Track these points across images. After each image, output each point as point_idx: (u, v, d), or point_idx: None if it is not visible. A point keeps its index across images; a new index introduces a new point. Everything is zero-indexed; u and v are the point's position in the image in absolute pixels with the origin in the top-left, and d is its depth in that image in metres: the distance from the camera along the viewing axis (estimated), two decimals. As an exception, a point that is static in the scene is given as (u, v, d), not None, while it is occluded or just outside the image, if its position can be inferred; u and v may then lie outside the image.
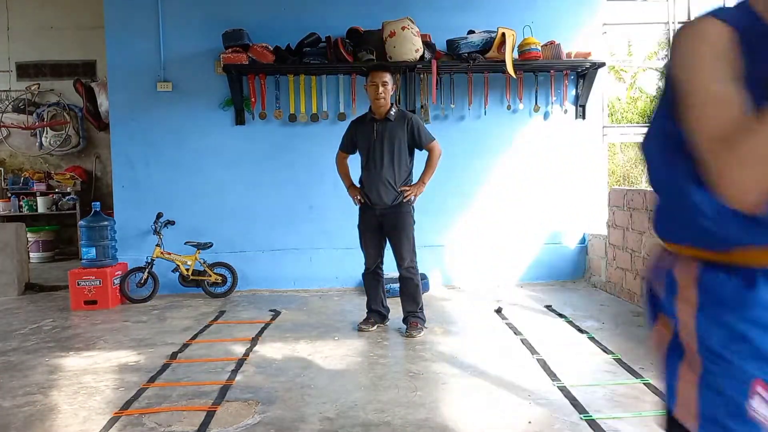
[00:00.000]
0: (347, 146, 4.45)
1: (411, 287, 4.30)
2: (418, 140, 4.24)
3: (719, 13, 1.07)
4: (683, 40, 1.07)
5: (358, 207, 4.40)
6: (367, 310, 4.48)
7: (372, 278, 4.42)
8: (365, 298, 4.52)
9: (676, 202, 1.15)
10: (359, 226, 4.38)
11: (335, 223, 5.85)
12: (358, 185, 4.39)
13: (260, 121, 5.84)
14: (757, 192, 0.95)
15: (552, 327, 4.40)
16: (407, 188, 4.22)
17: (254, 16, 5.78)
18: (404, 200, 4.22)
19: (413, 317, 4.27)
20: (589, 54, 5.72)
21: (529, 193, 6.00)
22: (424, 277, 5.29)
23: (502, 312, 4.82)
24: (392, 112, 4.23)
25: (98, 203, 5.66)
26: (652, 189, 1.24)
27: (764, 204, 0.97)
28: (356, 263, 4.36)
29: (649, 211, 4.73)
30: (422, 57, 5.51)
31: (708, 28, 1.05)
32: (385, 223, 4.27)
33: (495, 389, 3.18)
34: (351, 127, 4.44)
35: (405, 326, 4.29)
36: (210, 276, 5.57)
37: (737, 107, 0.99)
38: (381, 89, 4.14)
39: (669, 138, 1.12)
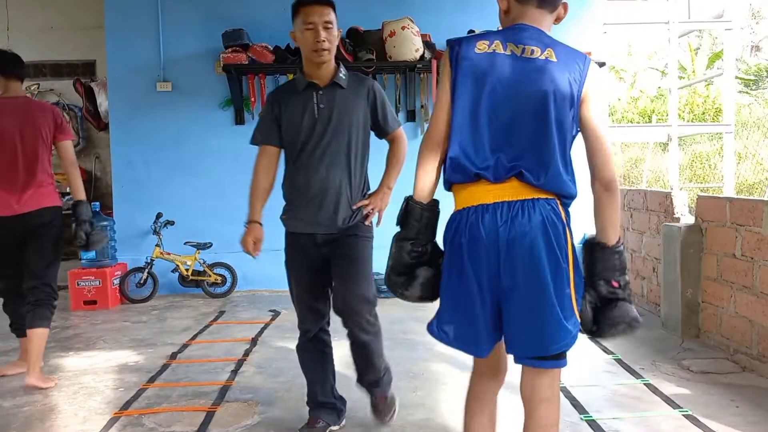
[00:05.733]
0: (272, 133, 2.66)
1: (367, 353, 2.58)
2: (382, 122, 2.60)
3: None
4: None
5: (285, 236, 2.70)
6: (309, 407, 2.66)
7: (314, 351, 2.65)
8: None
9: None
10: (289, 269, 2.71)
11: (335, 223, 5.84)
12: (283, 211, 2.70)
13: (260, 121, 5.84)
14: None
15: (552, 327, 4.38)
16: (366, 201, 2.57)
17: (254, 16, 5.77)
18: (363, 221, 2.56)
19: (377, 388, 2.69)
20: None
21: (529, 193, 5.99)
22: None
23: (502, 312, 4.81)
24: (341, 74, 2.53)
25: (98, 203, 5.66)
26: None
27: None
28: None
29: (650, 211, 4.73)
30: (422, 57, 5.51)
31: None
32: (331, 256, 2.56)
33: (495, 389, 3.17)
34: (273, 100, 2.65)
35: (369, 402, 2.73)
36: (210, 276, 5.56)
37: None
38: (323, 33, 2.47)
39: None
